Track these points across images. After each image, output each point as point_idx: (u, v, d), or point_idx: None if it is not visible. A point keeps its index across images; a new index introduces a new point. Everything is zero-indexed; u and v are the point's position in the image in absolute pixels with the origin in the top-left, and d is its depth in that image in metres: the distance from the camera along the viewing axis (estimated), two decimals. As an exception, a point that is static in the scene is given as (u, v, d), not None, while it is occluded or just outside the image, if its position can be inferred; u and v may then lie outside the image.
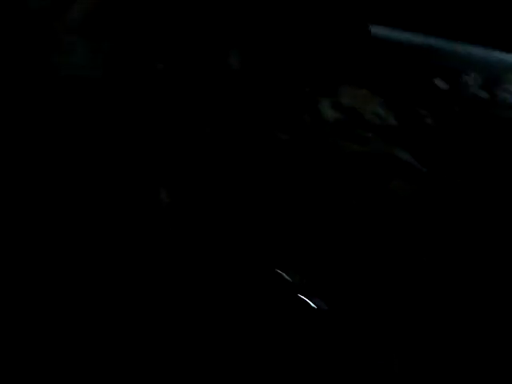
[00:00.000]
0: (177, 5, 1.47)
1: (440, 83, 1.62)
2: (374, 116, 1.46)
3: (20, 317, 0.90)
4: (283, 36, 1.54)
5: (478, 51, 1.66)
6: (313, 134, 1.32)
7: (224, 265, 1.07)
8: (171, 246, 1.09)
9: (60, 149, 1.21)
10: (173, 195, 1.14)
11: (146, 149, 1.27)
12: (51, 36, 1.33)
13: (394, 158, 1.31)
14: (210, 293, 1.03)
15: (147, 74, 1.51)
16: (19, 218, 1.06)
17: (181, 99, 1.45)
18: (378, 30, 1.64)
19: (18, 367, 0.85)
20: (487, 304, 0.97)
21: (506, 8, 1.63)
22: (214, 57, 1.53)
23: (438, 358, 0.90)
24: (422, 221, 1.15)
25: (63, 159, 1.18)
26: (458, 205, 1.18)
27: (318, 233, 1.12)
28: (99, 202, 1.14)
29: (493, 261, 1.04)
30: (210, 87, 1.50)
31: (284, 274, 1.02)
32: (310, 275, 1.04)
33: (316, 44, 1.60)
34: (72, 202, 1.14)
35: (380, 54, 1.66)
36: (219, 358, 0.91)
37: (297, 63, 1.54)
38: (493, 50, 1.66)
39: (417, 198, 1.21)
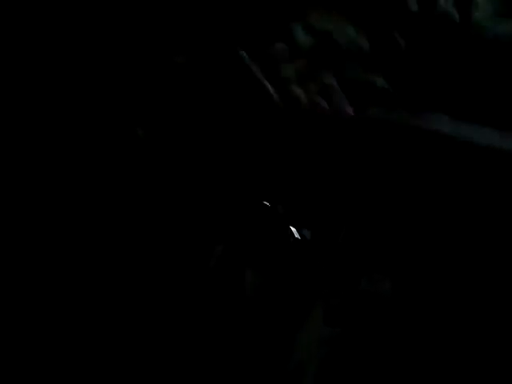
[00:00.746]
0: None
1: (411, 3, 1.58)
2: (348, 40, 1.42)
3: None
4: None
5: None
6: (289, 62, 1.28)
7: (208, 194, 1.06)
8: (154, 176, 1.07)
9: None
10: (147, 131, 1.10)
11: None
12: None
13: (370, 84, 1.29)
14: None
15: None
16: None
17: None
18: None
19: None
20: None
21: None
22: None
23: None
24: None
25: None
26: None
27: (299, 166, 1.11)
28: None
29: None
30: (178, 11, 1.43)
31: (271, 205, 1.01)
32: (295, 207, 1.04)
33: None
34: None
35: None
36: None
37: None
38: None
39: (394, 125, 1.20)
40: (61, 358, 0.87)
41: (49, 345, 0.88)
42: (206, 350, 0.90)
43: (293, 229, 1.00)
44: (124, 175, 1.05)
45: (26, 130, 1.12)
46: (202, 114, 1.08)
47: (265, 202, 1.00)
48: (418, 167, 1.02)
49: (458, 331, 0.88)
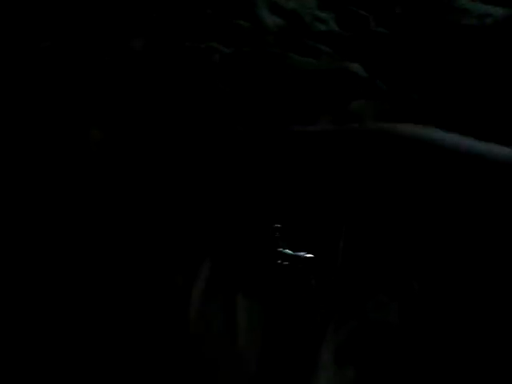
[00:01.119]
0: None
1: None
2: (316, 21, 1.27)
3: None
4: None
5: None
6: (256, 45, 1.12)
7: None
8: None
9: None
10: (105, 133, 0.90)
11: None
12: None
13: (350, 73, 1.15)
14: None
15: None
16: None
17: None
18: None
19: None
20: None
21: None
22: None
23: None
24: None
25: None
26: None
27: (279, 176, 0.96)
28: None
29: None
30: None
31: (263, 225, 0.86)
32: (290, 226, 0.89)
33: None
34: None
35: None
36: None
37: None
38: None
39: (383, 119, 1.07)
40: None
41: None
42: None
43: (287, 251, 0.85)
44: (76, 186, 0.85)
45: None
46: (171, 113, 0.90)
47: (257, 222, 0.84)
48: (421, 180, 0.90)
49: (479, 363, 0.77)
